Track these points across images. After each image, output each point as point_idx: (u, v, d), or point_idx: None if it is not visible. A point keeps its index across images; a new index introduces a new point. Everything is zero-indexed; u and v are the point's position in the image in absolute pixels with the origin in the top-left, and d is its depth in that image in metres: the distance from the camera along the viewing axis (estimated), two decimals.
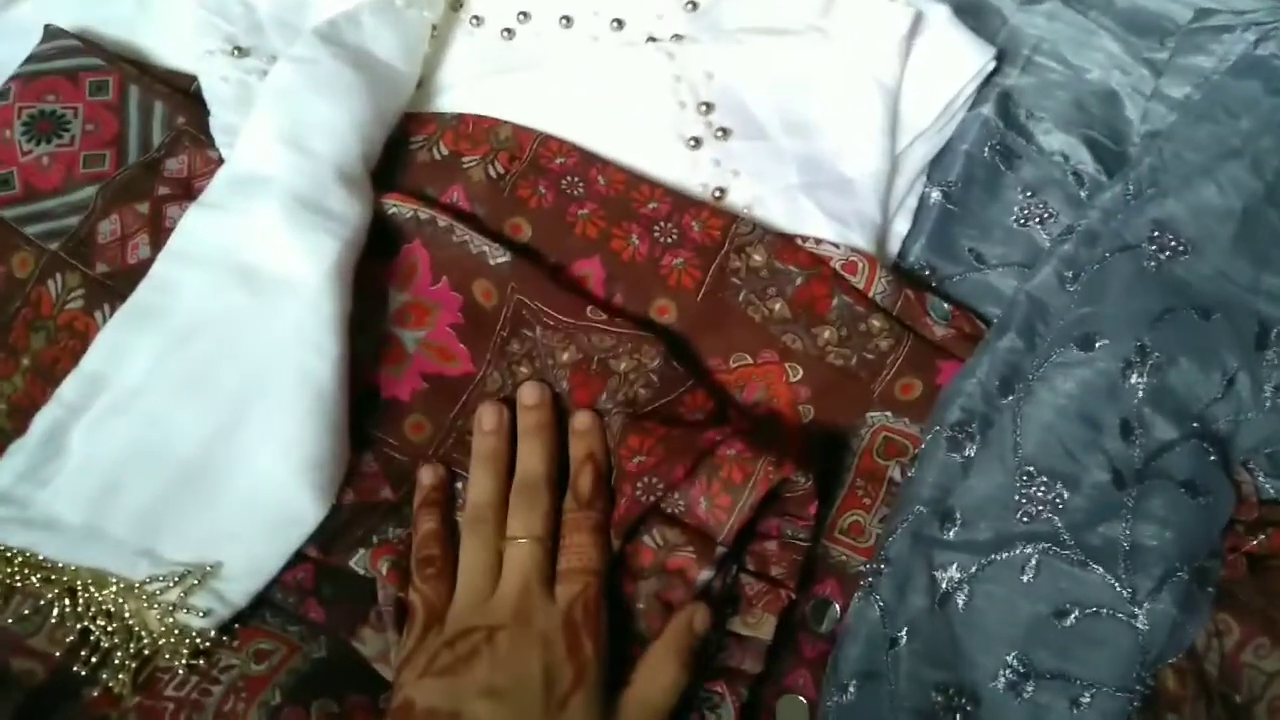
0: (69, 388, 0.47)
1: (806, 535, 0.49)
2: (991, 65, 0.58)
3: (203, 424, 0.47)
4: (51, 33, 0.55)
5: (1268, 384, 0.49)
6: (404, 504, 0.49)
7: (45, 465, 0.47)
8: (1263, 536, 0.48)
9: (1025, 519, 0.46)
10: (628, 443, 0.47)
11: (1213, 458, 0.47)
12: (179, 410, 0.47)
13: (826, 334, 0.51)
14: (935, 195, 0.57)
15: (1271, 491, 0.51)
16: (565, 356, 0.49)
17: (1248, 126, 0.51)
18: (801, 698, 0.48)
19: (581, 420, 0.48)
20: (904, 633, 0.46)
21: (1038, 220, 0.57)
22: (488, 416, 0.49)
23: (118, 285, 0.50)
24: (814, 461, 0.49)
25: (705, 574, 0.45)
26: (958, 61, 0.57)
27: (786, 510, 0.48)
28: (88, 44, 0.55)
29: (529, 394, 0.49)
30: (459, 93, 0.57)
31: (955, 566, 0.46)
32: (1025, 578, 0.45)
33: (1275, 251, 0.50)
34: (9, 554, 0.47)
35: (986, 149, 0.57)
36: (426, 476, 0.49)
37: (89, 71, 0.54)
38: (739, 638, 0.47)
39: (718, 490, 0.45)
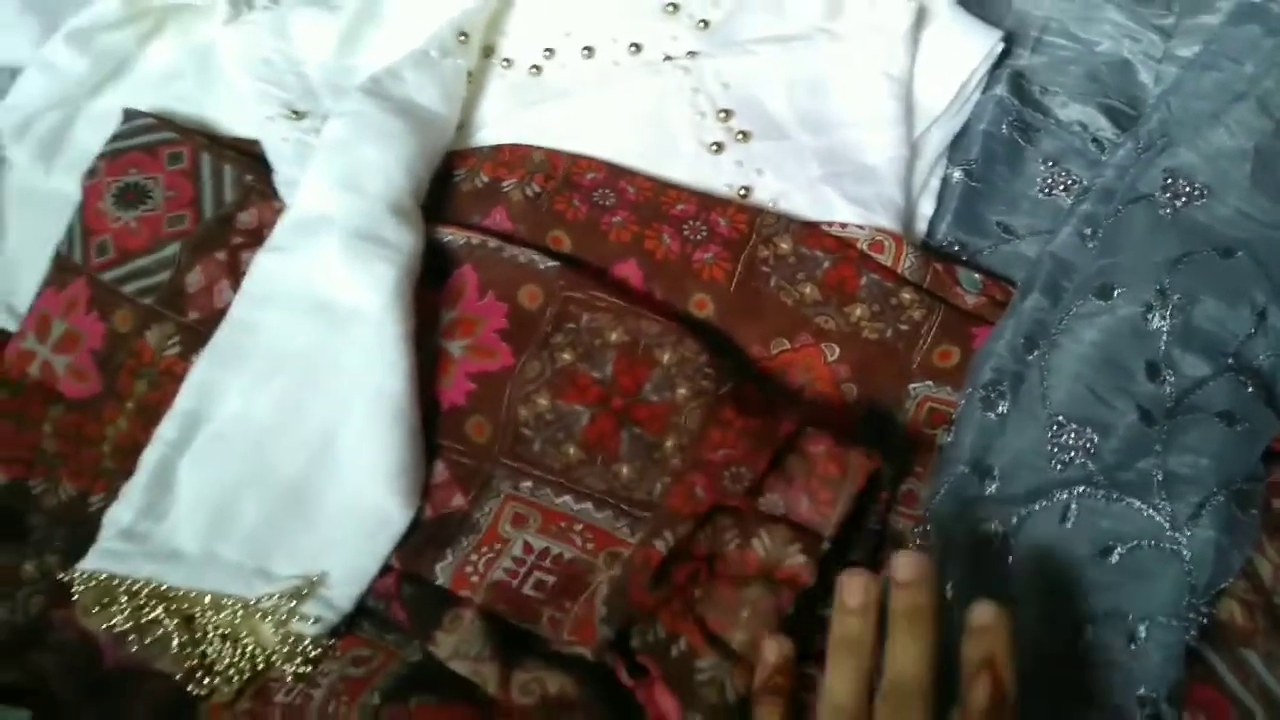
0: (168, 426, 0.52)
1: (877, 519, 0.50)
2: (1000, 48, 0.59)
3: (297, 448, 0.51)
4: (130, 114, 0.61)
5: None
6: (474, 509, 0.51)
7: (160, 500, 0.52)
8: None
9: (1059, 466, 0.47)
10: (709, 437, 0.48)
11: (1250, 390, 0.48)
12: (275, 438, 0.52)
13: (858, 311, 0.53)
14: (957, 175, 0.58)
15: None
16: (614, 337, 0.51)
17: (1251, 70, 0.52)
18: None
19: (983, 614, 0.39)
20: (949, 587, 0.47)
21: (1062, 188, 0.58)
22: (852, 590, 0.41)
23: (209, 329, 0.54)
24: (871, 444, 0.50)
25: (813, 578, 0.45)
26: (965, 47, 0.59)
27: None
28: (162, 121, 0.61)
29: (905, 566, 0.40)
30: (495, 129, 0.61)
31: (997, 521, 0.47)
32: (1066, 523, 0.46)
33: None
34: (135, 587, 0.50)
35: (1004, 126, 0.59)
36: (770, 652, 0.43)
37: (165, 145, 0.59)
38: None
39: (817, 486, 0.47)
